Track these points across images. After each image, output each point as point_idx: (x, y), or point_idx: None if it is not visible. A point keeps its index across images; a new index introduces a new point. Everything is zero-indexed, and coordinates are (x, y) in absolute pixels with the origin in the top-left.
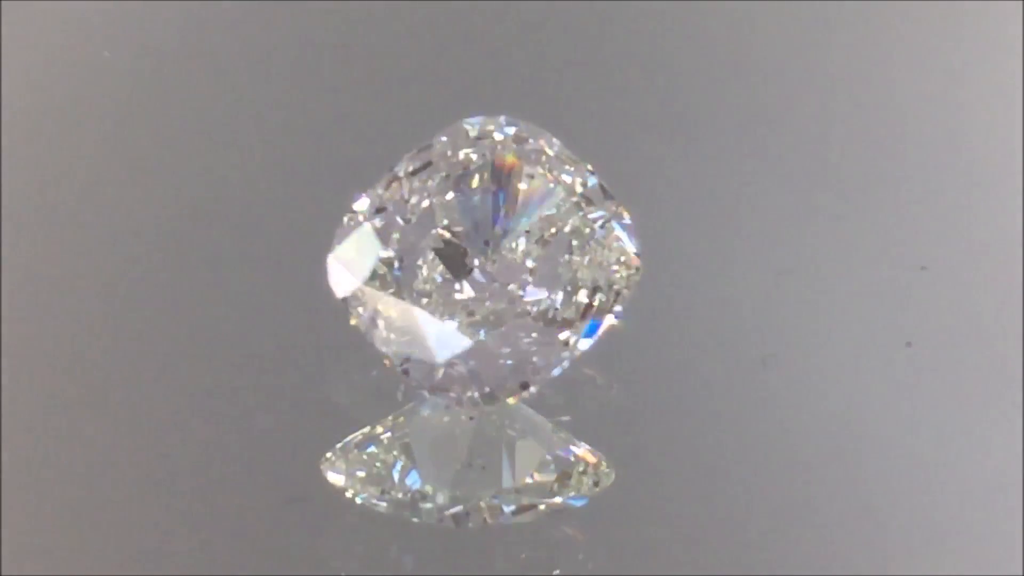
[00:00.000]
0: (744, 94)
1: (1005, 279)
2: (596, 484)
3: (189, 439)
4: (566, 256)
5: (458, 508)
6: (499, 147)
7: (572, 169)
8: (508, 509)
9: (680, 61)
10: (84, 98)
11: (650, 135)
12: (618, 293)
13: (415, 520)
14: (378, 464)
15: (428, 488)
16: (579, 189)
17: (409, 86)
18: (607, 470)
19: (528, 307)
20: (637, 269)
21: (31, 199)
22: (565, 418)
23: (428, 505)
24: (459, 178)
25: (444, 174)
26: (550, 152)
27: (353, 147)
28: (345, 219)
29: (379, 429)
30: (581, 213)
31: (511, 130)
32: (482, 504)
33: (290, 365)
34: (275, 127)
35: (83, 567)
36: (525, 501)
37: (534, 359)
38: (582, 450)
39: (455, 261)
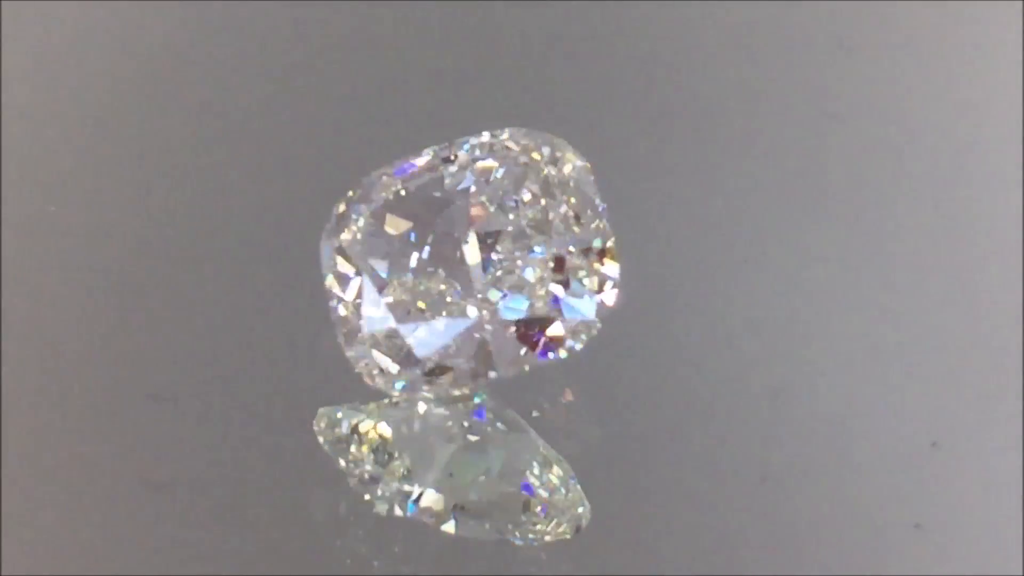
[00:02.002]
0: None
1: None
2: (548, 532)
3: (187, 436)
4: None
5: (405, 503)
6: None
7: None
8: (448, 521)
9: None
10: (84, 98)
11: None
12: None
13: (366, 498)
14: (353, 439)
15: (389, 475)
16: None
17: (409, 87)
18: (564, 527)
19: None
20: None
21: (31, 197)
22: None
23: (381, 491)
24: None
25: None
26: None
27: (346, 146)
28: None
29: (370, 407)
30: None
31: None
32: (429, 504)
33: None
34: (272, 126)
35: (83, 567)
36: (463, 520)
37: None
38: (557, 495)
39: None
